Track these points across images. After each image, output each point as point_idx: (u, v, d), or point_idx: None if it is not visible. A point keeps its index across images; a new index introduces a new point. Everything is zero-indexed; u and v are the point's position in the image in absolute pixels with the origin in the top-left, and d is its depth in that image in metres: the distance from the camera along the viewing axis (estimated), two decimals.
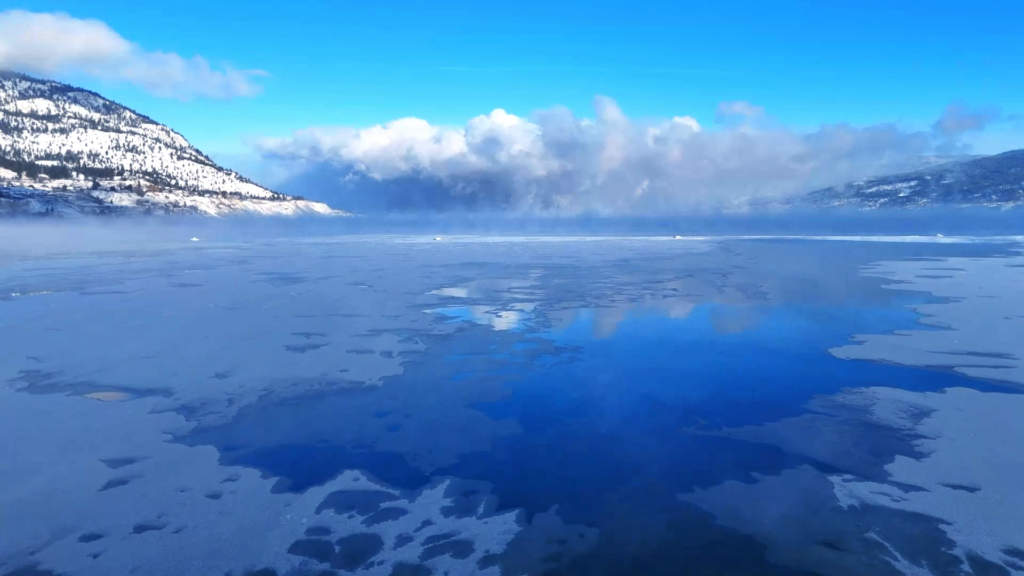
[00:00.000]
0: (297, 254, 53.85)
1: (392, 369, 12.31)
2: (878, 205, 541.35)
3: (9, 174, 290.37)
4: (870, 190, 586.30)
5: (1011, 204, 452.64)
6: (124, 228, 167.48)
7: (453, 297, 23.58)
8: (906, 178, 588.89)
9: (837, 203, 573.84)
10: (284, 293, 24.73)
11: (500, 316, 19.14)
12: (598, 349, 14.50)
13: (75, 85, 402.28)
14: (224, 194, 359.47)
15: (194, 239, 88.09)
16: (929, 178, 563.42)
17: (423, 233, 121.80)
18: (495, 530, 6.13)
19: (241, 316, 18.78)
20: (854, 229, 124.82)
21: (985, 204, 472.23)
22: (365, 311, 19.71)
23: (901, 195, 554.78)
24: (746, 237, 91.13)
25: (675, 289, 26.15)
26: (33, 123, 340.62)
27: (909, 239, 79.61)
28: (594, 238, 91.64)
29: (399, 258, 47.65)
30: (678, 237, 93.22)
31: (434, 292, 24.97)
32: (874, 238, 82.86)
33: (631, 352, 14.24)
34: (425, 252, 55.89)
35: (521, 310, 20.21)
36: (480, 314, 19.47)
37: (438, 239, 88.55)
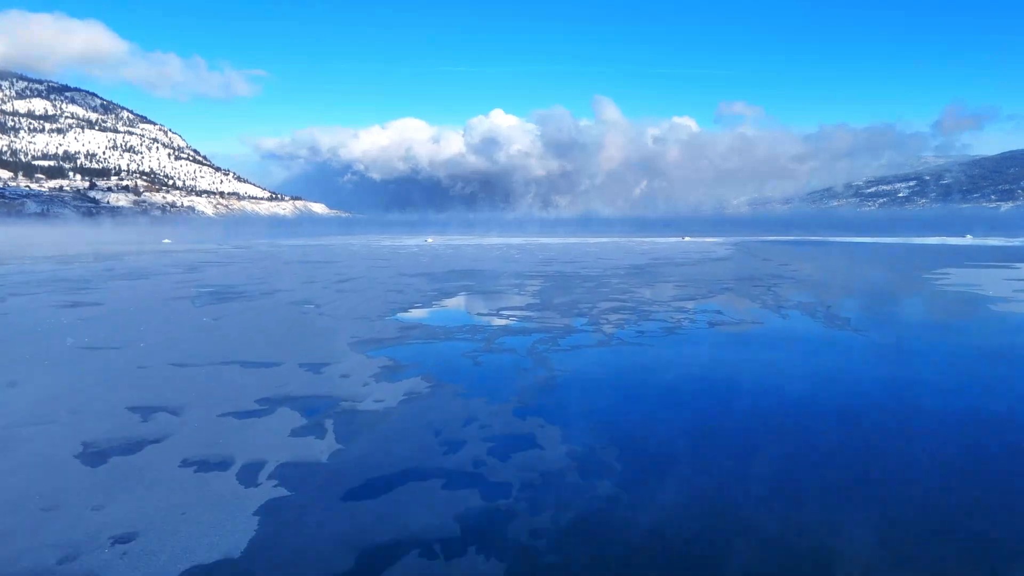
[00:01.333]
0: (266, 258, 47.47)
1: (227, 528, 5.88)
2: (877, 205, 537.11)
3: (6, 174, 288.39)
4: (869, 190, 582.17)
5: (1010, 204, 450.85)
6: (110, 228, 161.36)
7: (419, 326, 17.13)
8: (905, 178, 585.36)
9: (836, 203, 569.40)
10: (196, 319, 18.32)
11: (478, 365, 12.72)
12: (643, 454, 8.08)
13: (73, 85, 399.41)
14: (222, 194, 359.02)
15: (166, 241, 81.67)
16: (928, 178, 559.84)
17: (416, 234, 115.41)
18: None
19: (85, 365, 12.36)
20: (870, 230, 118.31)
21: (984, 204, 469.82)
22: (280, 354, 13.30)
23: (900, 195, 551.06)
24: (761, 238, 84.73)
25: (719, 312, 19.69)
26: (30, 123, 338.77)
27: (944, 241, 73.18)
28: (597, 240, 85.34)
29: (378, 264, 41.25)
30: (687, 238, 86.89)
31: (397, 317, 18.55)
32: (904, 239, 76.38)
33: (701, 460, 7.82)
34: (410, 257, 49.50)
35: (511, 353, 13.79)
36: (448, 362, 13.06)
37: (429, 241, 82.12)
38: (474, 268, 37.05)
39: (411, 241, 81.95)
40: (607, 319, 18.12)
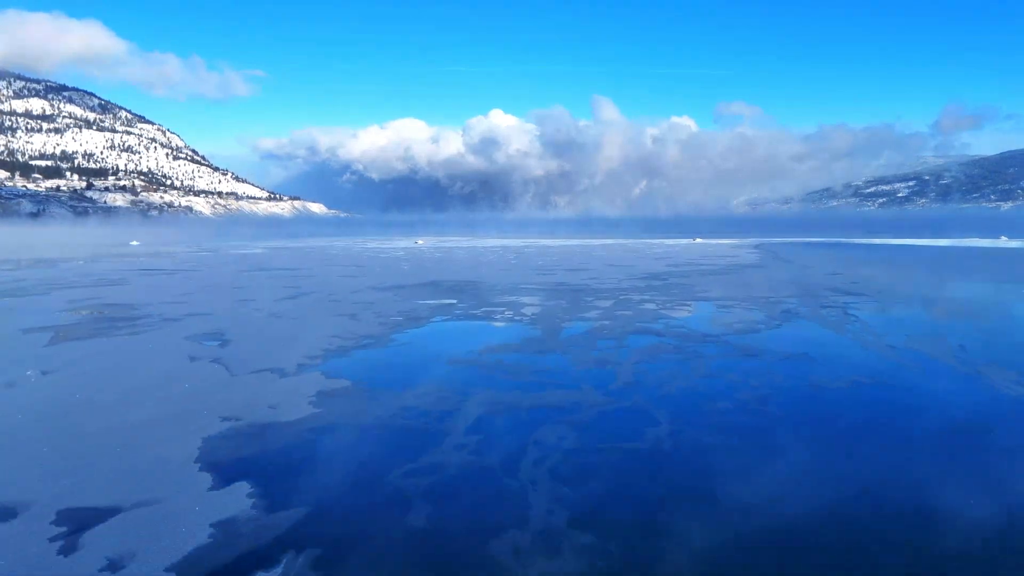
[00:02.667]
0: (225, 264, 41.13)
1: None
2: (877, 205, 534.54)
3: (2, 174, 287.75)
4: (869, 190, 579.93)
5: (1010, 204, 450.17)
6: (92, 229, 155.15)
7: (347, 392, 10.70)
8: (904, 178, 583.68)
9: (835, 203, 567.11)
10: (13, 375, 11.92)
11: (421, 515, 6.28)
12: None
13: (71, 85, 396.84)
14: (220, 194, 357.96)
15: (134, 243, 75.22)
16: (928, 178, 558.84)
17: (409, 235, 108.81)
18: None
19: None
20: (889, 231, 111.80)
21: (984, 204, 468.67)
22: (49, 476, 6.91)
23: (900, 195, 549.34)
24: (780, 240, 78.25)
25: (808, 357, 13.22)
26: (27, 123, 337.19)
27: (992, 244, 66.71)
28: (601, 241, 78.90)
29: (349, 272, 34.82)
30: (698, 240, 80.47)
31: (323, 369, 12.14)
32: (939, 242, 69.84)
33: None
34: (391, 263, 43.08)
35: (492, 466, 7.40)
36: (365, 499, 6.64)
37: (419, 243, 75.63)
38: (461, 279, 30.64)
39: (400, 243, 75.43)
40: (648, 375, 11.70)
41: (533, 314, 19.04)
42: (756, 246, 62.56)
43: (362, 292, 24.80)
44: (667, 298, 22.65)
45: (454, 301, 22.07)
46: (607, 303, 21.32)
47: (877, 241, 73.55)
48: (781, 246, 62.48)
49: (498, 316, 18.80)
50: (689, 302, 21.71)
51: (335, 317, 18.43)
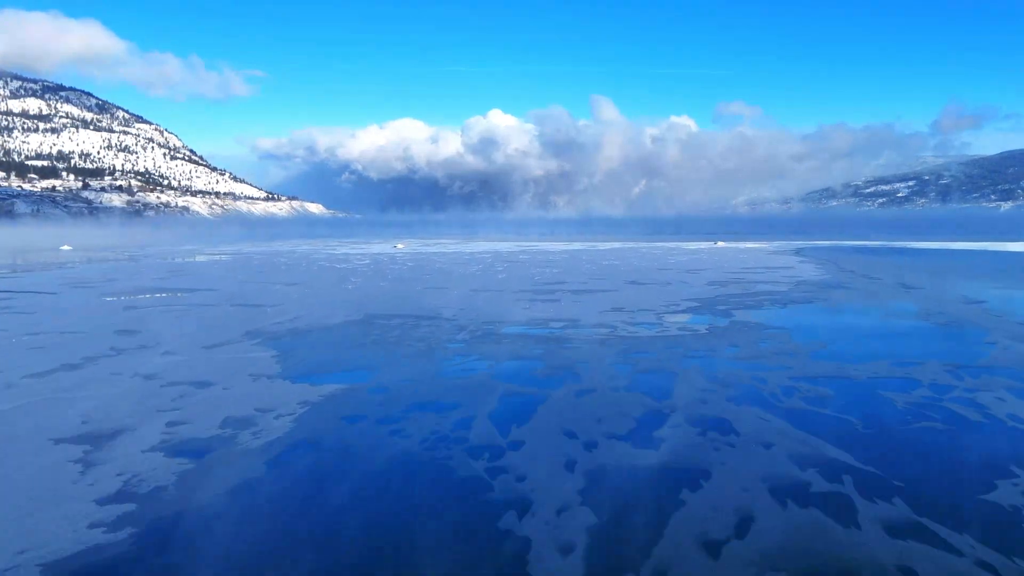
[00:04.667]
0: (109, 282, 31.06)
1: None
2: (876, 205, 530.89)
3: None
4: (868, 190, 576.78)
5: (1010, 204, 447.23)
6: (61, 229, 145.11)
7: None
8: (904, 178, 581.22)
9: (835, 203, 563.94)
10: None
11: None
12: None
13: (69, 85, 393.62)
14: (217, 194, 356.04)
15: (65, 247, 65.09)
16: (928, 178, 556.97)
17: (398, 236, 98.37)
18: None
19: None
20: (921, 232, 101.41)
21: (984, 204, 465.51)
22: None
23: (900, 195, 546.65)
24: (818, 244, 67.95)
25: None
26: (24, 123, 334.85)
27: None
28: (608, 245, 68.65)
29: (265, 295, 24.63)
30: (721, 244, 70.22)
31: None
32: (983, 245, 59.52)
33: None
34: (343, 275, 32.81)
35: None
36: None
37: (399, 247, 65.37)
38: (413, 311, 20.37)
39: (376, 248, 65.06)
40: None
41: (510, 444, 8.72)
42: (798, 252, 52.20)
43: (229, 347, 14.51)
44: (760, 365, 12.32)
45: (364, 383, 11.71)
46: (655, 380, 11.01)
47: (935, 246, 63.18)
48: (830, 252, 52.08)
49: (435, 451, 8.47)
50: (816, 378, 11.35)
51: (151, 426, 8.13)
